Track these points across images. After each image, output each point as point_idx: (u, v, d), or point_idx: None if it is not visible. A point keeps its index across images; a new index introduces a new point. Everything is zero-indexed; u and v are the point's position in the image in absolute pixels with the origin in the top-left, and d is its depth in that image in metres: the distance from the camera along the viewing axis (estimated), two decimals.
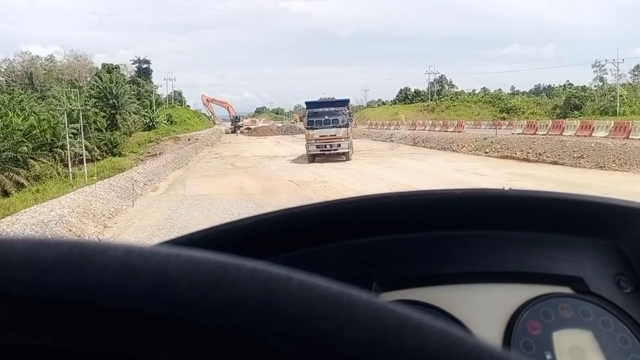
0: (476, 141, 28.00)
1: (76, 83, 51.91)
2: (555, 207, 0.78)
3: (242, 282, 0.27)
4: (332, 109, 25.73)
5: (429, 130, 40.44)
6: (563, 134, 25.17)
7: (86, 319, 0.27)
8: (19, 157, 29.22)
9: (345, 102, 27.16)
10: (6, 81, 53.57)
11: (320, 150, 24.93)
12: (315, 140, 25.03)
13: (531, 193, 0.79)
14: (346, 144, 25.20)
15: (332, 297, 0.27)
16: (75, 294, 0.26)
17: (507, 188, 0.80)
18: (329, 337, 0.26)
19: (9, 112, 33.07)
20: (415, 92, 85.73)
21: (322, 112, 25.54)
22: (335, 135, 24.95)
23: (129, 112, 50.77)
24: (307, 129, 25.61)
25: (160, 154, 35.79)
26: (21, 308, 0.26)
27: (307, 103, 27.91)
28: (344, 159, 25.13)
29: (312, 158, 25.16)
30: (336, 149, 24.97)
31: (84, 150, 30.59)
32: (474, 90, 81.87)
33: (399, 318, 0.26)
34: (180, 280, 0.27)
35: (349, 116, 27.32)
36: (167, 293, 0.27)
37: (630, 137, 21.27)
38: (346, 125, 25.44)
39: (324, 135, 24.91)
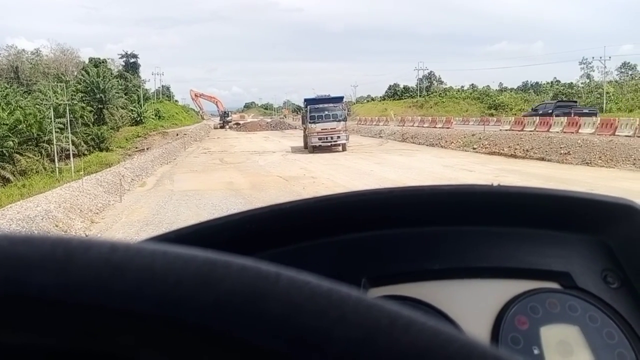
0: (464, 137, 28.11)
1: (63, 77, 51.33)
2: (542, 203, 0.79)
3: (230, 280, 0.27)
4: (331, 105, 28.70)
5: (417, 126, 40.50)
6: (550, 130, 25.34)
7: (71, 317, 0.26)
8: (4, 151, 28.91)
9: (340, 99, 30.37)
10: None
11: (322, 142, 27.53)
12: (317, 133, 27.68)
13: (519, 189, 0.79)
14: (344, 136, 28.06)
15: (322, 294, 0.27)
16: (59, 292, 0.26)
17: (495, 184, 0.80)
18: (319, 336, 0.25)
19: None
20: (404, 88, 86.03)
21: (322, 108, 28.29)
22: (334, 128, 27.77)
23: (116, 107, 50.36)
24: (309, 123, 28.09)
25: (148, 149, 35.56)
26: (4, 306, 0.26)
27: (306, 100, 30.60)
28: (341, 149, 27.78)
29: (313, 149, 27.58)
30: (336, 141, 27.72)
31: (70, 145, 30.24)
32: (462, 86, 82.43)
33: (390, 315, 0.26)
34: (168, 277, 0.26)
35: (347, 111, 30.71)
36: (153, 290, 0.26)
37: (616, 133, 21.47)
38: (344, 120, 28.44)
39: (325, 129, 27.73)
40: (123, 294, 0.26)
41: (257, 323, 0.26)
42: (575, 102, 34.28)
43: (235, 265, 0.27)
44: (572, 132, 23.48)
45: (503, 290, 0.75)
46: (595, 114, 28.09)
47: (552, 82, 74.30)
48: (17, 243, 0.27)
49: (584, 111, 28.72)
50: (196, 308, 0.26)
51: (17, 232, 0.29)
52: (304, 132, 30.93)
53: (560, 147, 20.74)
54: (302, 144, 30.85)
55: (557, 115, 26.89)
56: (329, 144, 27.71)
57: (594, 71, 61.35)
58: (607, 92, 47.51)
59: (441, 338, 0.25)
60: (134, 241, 0.31)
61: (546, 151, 21.19)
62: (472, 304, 0.74)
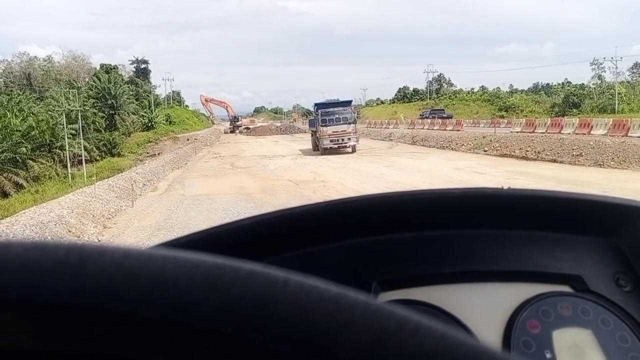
0: (475, 140, 27.99)
1: (74, 83, 51.85)
2: (554, 205, 0.78)
3: (240, 284, 0.27)
4: (341, 108, 30.07)
5: (427, 129, 40.44)
6: (562, 132, 25.20)
7: (84, 322, 0.27)
8: (17, 158, 29.21)
9: (348, 103, 32.00)
10: (4, 82, 53.45)
11: (334, 144, 29.08)
12: (329, 135, 29.12)
13: (530, 192, 0.79)
14: (354, 138, 29.57)
15: (331, 298, 0.27)
16: (73, 297, 0.26)
17: (506, 187, 0.80)
18: (327, 339, 0.25)
19: (8, 113, 33.00)
20: (413, 90, 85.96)
21: (333, 112, 29.68)
22: (345, 130, 29.22)
23: (127, 113, 50.78)
24: (321, 126, 29.46)
25: (159, 154, 35.78)
26: (19, 311, 0.26)
27: (316, 104, 32.19)
28: (350, 150, 29.27)
29: (324, 151, 28.90)
30: (346, 143, 29.26)
31: (82, 150, 30.55)
32: (472, 88, 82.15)
33: (398, 319, 0.26)
34: (178, 282, 0.27)
35: (357, 114, 33.16)
36: (165, 295, 0.26)
37: (629, 134, 21.29)
38: (354, 122, 29.99)
39: (336, 131, 29.12)
40: (135, 298, 0.26)
41: (266, 326, 0.26)
42: (443, 109, 52.20)
43: (244, 270, 0.28)
44: (584, 134, 23.31)
45: (514, 293, 0.75)
46: (450, 117, 45.68)
47: (563, 83, 73.87)
48: (32, 249, 0.28)
49: (444, 115, 46.38)
50: (206, 312, 0.26)
51: (31, 239, 0.30)
52: (312, 135, 32.98)
53: (572, 149, 20.58)
54: (311, 147, 32.54)
55: (430, 118, 43.91)
56: (340, 145, 29.17)
57: (605, 72, 60.83)
58: (619, 93, 47.16)
59: (449, 342, 0.26)
60: (147, 246, 0.32)
61: (558, 153, 21.03)
62: (483, 308, 0.74)
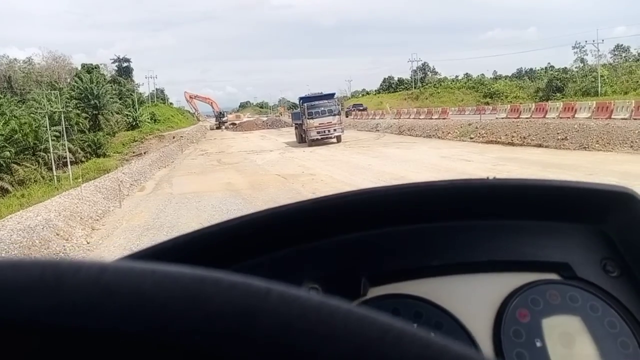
0: (461, 127, 28.10)
1: (56, 85, 51.25)
2: (539, 194, 0.78)
3: (220, 297, 0.27)
4: (325, 101, 31.74)
5: (413, 118, 40.64)
6: (546, 116, 25.37)
7: (61, 341, 0.26)
8: (1, 162, 28.86)
9: (332, 95, 33.96)
10: None
11: (321, 136, 30.62)
12: (316, 127, 30.67)
13: (514, 181, 0.79)
14: (340, 129, 31.35)
15: (312, 309, 0.27)
16: (49, 316, 0.26)
17: (491, 177, 0.80)
18: (308, 354, 0.25)
19: None
20: (398, 80, 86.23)
21: (318, 105, 31.25)
22: (331, 122, 30.88)
23: (111, 112, 50.33)
24: (307, 119, 31.04)
25: (145, 153, 35.54)
26: None
27: (301, 98, 33.76)
28: (335, 141, 30.81)
29: (311, 142, 30.37)
30: (332, 134, 30.92)
31: (67, 152, 30.24)
32: (457, 76, 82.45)
33: (380, 328, 0.26)
34: (157, 297, 0.27)
35: (341, 106, 36.13)
36: (143, 311, 0.26)
37: (612, 117, 21.48)
38: (338, 114, 31.69)
39: (322, 123, 30.73)
40: (113, 314, 0.26)
41: (246, 343, 0.26)
42: (361, 104, 66.43)
43: (225, 282, 0.28)
44: (569, 117, 23.49)
45: (503, 283, 0.75)
46: (365, 109, 59.96)
47: (546, 67, 74.31)
48: (6, 267, 0.27)
49: (360, 108, 61.10)
50: (185, 328, 0.26)
51: (6, 257, 0.30)
52: (296, 128, 35.05)
53: (557, 133, 20.72)
54: (296, 140, 34.44)
55: (353, 111, 59.25)
56: (327, 136, 30.74)
57: (587, 55, 61.41)
58: (602, 76, 47.53)
59: (432, 349, 0.25)
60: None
61: (543, 137, 21.17)
62: (472, 299, 0.74)
